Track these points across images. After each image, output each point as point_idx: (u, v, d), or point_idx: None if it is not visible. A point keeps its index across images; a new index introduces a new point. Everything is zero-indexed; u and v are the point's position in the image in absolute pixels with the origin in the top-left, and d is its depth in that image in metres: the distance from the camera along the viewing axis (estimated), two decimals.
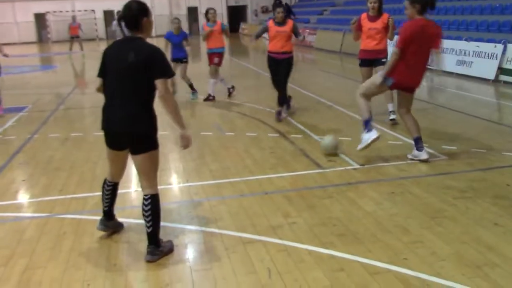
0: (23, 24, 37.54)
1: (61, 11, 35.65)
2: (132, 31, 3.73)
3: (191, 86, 10.90)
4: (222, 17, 39.63)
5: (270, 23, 8.45)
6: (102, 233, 4.25)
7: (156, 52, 3.66)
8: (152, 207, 3.78)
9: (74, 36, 25.04)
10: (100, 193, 4.20)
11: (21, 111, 10.22)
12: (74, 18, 26.47)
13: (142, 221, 3.88)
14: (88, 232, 4.35)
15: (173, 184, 5.68)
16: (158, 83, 3.61)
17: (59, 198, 5.20)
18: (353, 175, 5.64)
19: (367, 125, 5.96)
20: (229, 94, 11.02)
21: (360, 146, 6.01)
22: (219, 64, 10.56)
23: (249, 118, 8.81)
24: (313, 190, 5.20)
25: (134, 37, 3.73)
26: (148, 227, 3.81)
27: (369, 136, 5.90)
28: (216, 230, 4.30)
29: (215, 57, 10.50)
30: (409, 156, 6.04)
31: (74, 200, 5.14)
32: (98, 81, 3.87)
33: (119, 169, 4.04)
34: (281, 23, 8.36)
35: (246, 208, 4.75)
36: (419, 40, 5.61)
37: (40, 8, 36.77)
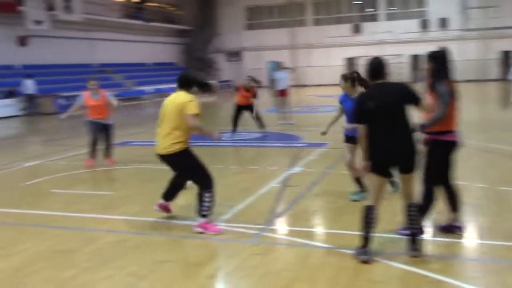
0: (335, 67, 40.96)
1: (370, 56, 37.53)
2: (377, 78, 4.69)
3: None
4: None
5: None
6: (381, 272, 4.29)
7: (408, 87, 4.68)
8: (417, 212, 4.68)
9: None
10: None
11: (322, 146, 11.12)
12: None
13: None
14: (365, 270, 4.44)
15: (462, 239, 5.33)
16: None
17: (343, 233, 5.45)
18: None
19: None
20: None
21: None
22: None
23: None
24: None
25: (383, 82, 4.68)
26: (412, 229, 4.62)
27: None
28: None
29: None
30: None
31: (357, 237, 5.30)
32: (360, 128, 4.62)
33: (383, 194, 4.76)
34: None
35: None
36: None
37: (353, 53, 39.56)
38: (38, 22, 26.56)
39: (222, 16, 43.14)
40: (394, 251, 4.87)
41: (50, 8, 27.31)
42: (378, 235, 5.21)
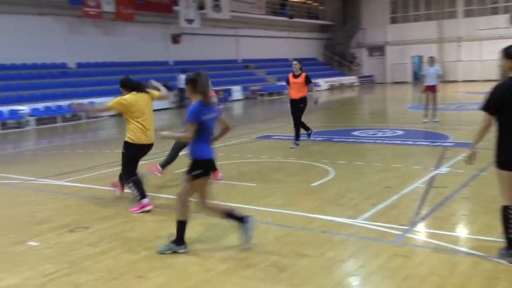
0: (488, 62, 38.01)
1: None
2: None
3: None
4: None
5: None
6: None
7: None
8: None
9: None
10: None
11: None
12: None
13: None
14: None
15: None
16: None
17: (496, 241, 5.02)
18: None
19: None
20: None
21: None
22: None
23: None
24: None
25: None
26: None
27: None
28: None
29: None
30: None
31: None
32: (487, 118, 4.36)
33: None
34: None
35: None
36: None
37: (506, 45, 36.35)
38: (190, 21, 28.39)
39: (366, 10, 42.29)
40: None
41: (201, 7, 29.03)
42: None
